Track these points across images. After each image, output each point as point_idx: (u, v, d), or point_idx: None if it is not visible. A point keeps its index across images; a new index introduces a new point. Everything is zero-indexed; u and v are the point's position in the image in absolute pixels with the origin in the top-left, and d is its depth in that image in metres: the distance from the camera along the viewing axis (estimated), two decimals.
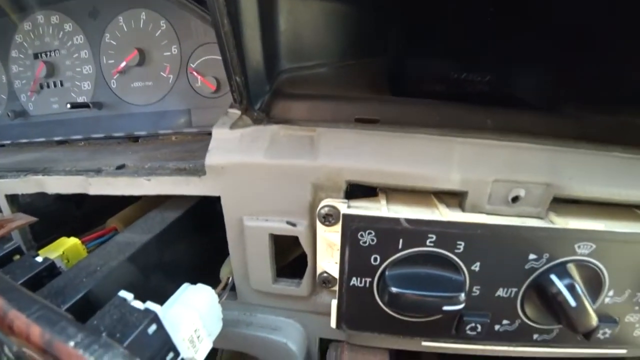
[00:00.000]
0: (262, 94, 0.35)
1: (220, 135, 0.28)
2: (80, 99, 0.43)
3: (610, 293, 0.27)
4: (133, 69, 0.43)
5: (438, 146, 0.25)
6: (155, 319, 0.21)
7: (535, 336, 0.28)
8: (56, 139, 0.46)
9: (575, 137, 0.36)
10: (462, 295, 0.24)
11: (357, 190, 0.28)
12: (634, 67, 0.35)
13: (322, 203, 0.26)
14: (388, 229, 0.24)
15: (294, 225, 0.27)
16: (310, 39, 0.37)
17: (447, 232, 0.24)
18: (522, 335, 0.28)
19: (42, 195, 0.34)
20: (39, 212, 0.33)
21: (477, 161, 0.25)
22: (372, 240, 0.24)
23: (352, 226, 0.24)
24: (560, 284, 0.24)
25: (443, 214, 0.24)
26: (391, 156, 0.25)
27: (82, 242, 0.31)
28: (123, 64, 0.42)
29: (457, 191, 0.25)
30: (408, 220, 0.24)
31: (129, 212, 0.37)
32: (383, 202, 0.26)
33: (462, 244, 0.24)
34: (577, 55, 0.38)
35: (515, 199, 0.25)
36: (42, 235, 0.35)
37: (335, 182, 0.26)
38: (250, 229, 0.28)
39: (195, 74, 0.43)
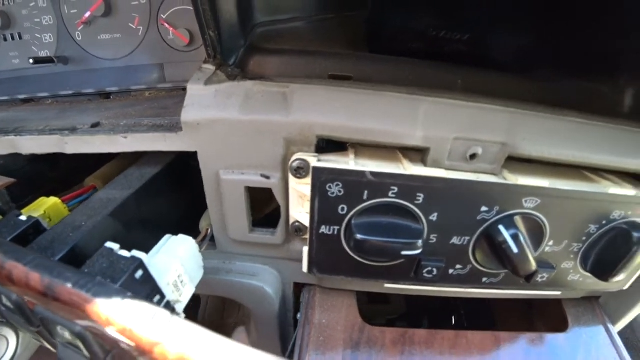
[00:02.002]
0: (236, 48, 0.36)
1: (195, 91, 0.30)
2: (43, 53, 0.43)
3: (550, 243, 0.32)
4: (99, 20, 0.42)
5: (405, 104, 0.28)
6: (141, 265, 0.24)
7: (484, 279, 0.34)
8: (21, 97, 0.45)
9: (540, 100, 0.40)
10: (420, 242, 0.28)
11: (328, 146, 0.31)
12: (600, 34, 0.37)
13: (294, 157, 0.29)
14: (354, 181, 0.28)
15: (267, 178, 0.30)
16: None
17: (408, 185, 0.28)
18: (472, 279, 0.33)
19: (15, 157, 0.35)
20: (14, 174, 0.34)
21: (440, 120, 0.28)
22: (340, 191, 0.28)
23: (321, 178, 0.28)
24: (506, 234, 0.29)
25: (406, 168, 0.28)
26: (360, 113, 0.28)
27: (63, 201, 0.34)
28: (87, 14, 0.41)
29: (421, 147, 0.28)
30: (373, 174, 0.27)
31: (107, 170, 0.40)
32: (351, 156, 0.29)
33: (422, 196, 0.28)
34: (550, 20, 0.40)
35: (473, 156, 0.29)
36: (20, 197, 0.37)
37: (307, 137, 0.28)
38: (226, 182, 0.31)
39: (166, 25, 0.43)
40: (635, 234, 0.31)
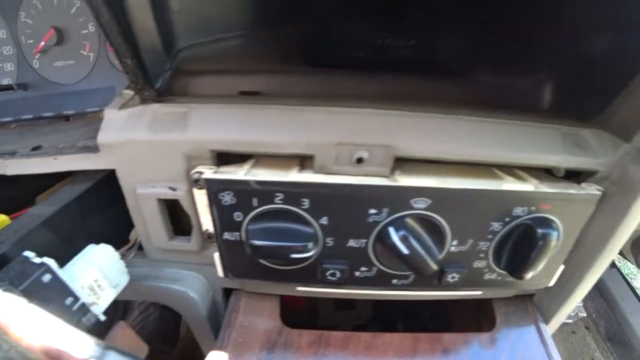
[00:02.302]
0: (162, 72, 0.39)
1: (110, 115, 0.33)
2: (5, 81, 0.48)
3: (454, 242, 0.32)
4: (53, 49, 0.47)
5: (288, 115, 0.30)
6: (48, 269, 0.27)
7: (394, 281, 0.34)
8: None
9: (469, 100, 0.40)
10: (310, 245, 0.30)
11: (239, 157, 0.33)
12: (522, 32, 0.37)
13: (193, 170, 0.31)
14: (243, 190, 0.30)
15: (174, 190, 0.33)
16: (209, 15, 0.40)
17: (291, 191, 0.29)
18: (381, 280, 0.34)
19: None
20: None
21: (322, 127, 0.29)
22: (232, 199, 0.30)
23: (213, 188, 0.30)
24: (394, 235, 0.30)
25: (290, 175, 0.29)
26: (246, 127, 0.30)
27: (11, 218, 0.38)
28: (42, 44, 0.46)
29: (306, 154, 0.30)
30: (257, 182, 0.29)
31: (55, 188, 0.44)
32: (247, 166, 0.31)
33: (307, 200, 0.30)
34: (481, 21, 0.40)
35: (360, 160, 0.30)
36: None
37: (202, 152, 0.31)
38: (141, 196, 0.34)
39: (113, 51, 0.47)
40: (539, 230, 0.31)
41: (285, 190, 0.29)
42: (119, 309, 0.71)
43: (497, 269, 0.34)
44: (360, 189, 0.29)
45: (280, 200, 0.30)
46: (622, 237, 0.33)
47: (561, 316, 0.39)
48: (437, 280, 0.34)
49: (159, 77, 0.39)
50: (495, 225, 0.31)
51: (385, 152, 0.29)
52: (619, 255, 1.16)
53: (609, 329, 0.86)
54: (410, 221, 0.30)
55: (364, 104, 0.31)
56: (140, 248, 0.38)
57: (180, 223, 0.37)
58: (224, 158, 0.33)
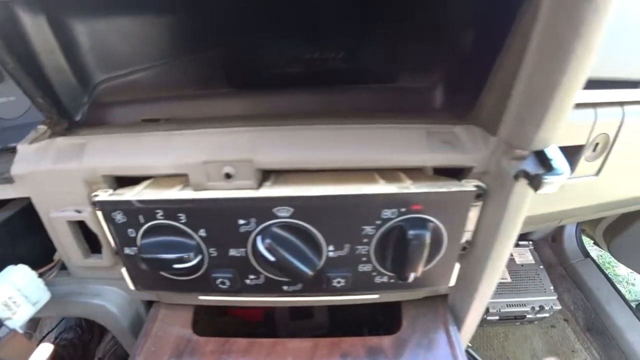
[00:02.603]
0: (80, 105, 0.44)
1: (22, 149, 0.38)
2: None
3: (331, 248, 0.33)
4: None
5: (165, 140, 0.33)
6: None
7: (284, 287, 0.36)
8: None
9: (368, 106, 0.41)
10: (190, 255, 0.32)
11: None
12: (417, 38, 0.39)
13: (92, 194, 0.35)
14: (128, 209, 0.33)
15: (80, 212, 0.36)
16: (122, 50, 0.44)
17: (168, 207, 0.32)
18: (272, 287, 0.36)
19: None
20: None
21: (190, 148, 0.32)
22: (123, 218, 0.33)
23: (106, 209, 0.33)
24: (260, 244, 0.31)
25: (167, 193, 0.32)
26: (128, 153, 0.33)
27: None
28: None
29: (180, 174, 0.32)
30: (139, 201, 0.32)
31: None
32: (139, 187, 0.34)
33: (183, 215, 0.32)
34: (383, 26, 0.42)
35: (228, 176, 0.32)
36: None
37: (97, 177, 0.34)
38: (54, 220, 0.38)
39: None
40: (410, 232, 0.31)
41: (163, 207, 0.32)
42: (95, 333, 0.75)
43: (386, 272, 0.35)
44: (225, 202, 0.31)
45: (161, 216, 0.32)
46: (509, 230, 0.33)
47: (474, 315, 0.39)
48: (325, 285, 0.35)
49: (77, 110, 0.43)
50: (368, 229, 0.32)
51: (249, 166, 0.32)
52: (595, 245, 1.11)
53: (587, 320, 0.84)
54: (277, 230, 0.32)
55: (237, 122, 0.33)
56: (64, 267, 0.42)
57: (99, 241, 0.41)
58: (131, 180, 0.36)
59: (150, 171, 0.33)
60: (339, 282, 0.34)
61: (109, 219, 0.34)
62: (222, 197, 0.31)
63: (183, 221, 0.32)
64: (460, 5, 0.34)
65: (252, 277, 0.35)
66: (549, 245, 1.21)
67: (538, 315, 0.94)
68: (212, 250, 0.34)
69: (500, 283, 0.98)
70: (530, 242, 1.10)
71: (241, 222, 0.32)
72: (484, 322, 0.96)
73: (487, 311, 0.93)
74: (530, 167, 0.29)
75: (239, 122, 0.34)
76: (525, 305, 0.94)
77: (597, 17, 0.22)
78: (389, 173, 0.34)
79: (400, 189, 0.31)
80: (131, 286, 0.38)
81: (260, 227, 0.32)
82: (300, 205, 0.31)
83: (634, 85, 0.46)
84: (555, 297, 0.93)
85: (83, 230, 0.38)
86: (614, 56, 0.43)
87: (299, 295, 0.36)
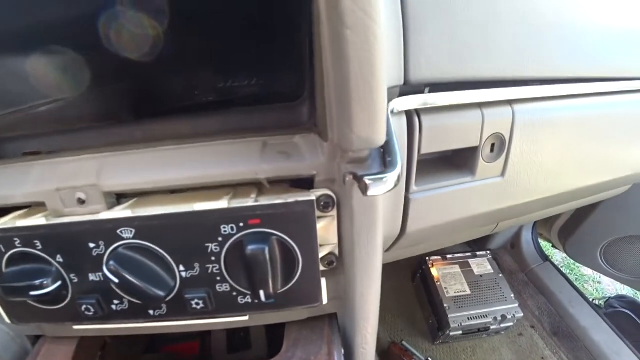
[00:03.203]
0: None
1: None
2: None
3: (182, 268, 0.32)
4: None
5: (23, 170, 0.34)
6: None
7: (150, 312, 0.35)
8: None
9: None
10: (47, 282, 0.33)
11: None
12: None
13: None
14: None
15: None
16: (10, 88, 0.47)
17: (23, 235, 0.33)
18: (138, 312, 0.35)
19: None
20: None
21: (44, 177, 0.33)
22: None
23: None
24: (104, 266, 0.31)
25: (23, 221, 0.33)
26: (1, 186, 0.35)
27: None
28: None
29: (37, 202, 0.34)
30: None
31: None
32: (8, 217, 0.36)
33: (38, 242, 0.33)
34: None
35: (81, 201, 0.33)
36: None
37: None
38: None
39: None
40: (248, 247, 0.30)
41: (19, 235, 0.33)
42: None
43: (246, 291, 0.33)
44: (72, 226, 0.32)
45: (19, 244, 0.34)
46: (367, 240, 0.31)
47: (363, 334, 0.36)
48: (187, 307, 0.34)
49: None
50: (212, 247, 0.31)
51: (97, 191, 0.32)
52: (554, 248, 1.03)
53: (553, 324, 0.80)
54: (125, 251, 0.32)
55: (114, 148, 0.34)
56: None
57: None
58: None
59: (7, 201, 0.34)
60: (197, 304, 0.33)
61: None
62: (69, 222, 0.32)
63: (39, 248, 0.33)
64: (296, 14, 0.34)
65: (116, 302, 0.35)
66: (509, 252, 1.17)
67: (502, 325, 0.89)
68: (72, 276, 0.34)
69: (459, 296, 0.93)
70: (489, 252, 1.04)
71: (92, 245, 0.32)
72: (447, 338, 0.90)
73: (448, 326, 0.86)
74: (363, 168, 0.28)
75: (118, 147, 0.35)
76: (487, 317, 0.88)
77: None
78: (244, 189, 0.34)
79: (232, 204, 0.30)
80: (7, 319, 0.39)
81: (110, 249, 0.32)
82: (140, 225, 0.31)
83: (525, 83, 0.43)
84: (516, 305, 0.89)
85: None
86: (501, 55, 0.41)
87: (166, 319, 0.35)
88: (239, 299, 0.34)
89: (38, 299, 0.34)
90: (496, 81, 0.41)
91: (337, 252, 0.34)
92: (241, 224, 0.31)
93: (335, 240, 0.33)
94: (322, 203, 0.31)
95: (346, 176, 0.27)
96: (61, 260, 0.34)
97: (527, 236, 1.10)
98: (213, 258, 0.32)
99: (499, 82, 0.41)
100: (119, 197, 0.35)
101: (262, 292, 0.31)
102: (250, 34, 0.50)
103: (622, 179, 0.67)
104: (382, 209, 0.31)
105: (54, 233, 0.33)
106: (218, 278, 0.33)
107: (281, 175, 0.31)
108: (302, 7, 0.31)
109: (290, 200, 0.30)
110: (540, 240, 1.13)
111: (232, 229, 0.31)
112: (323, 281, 0.34)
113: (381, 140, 0.27)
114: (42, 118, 0.46)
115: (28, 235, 0.33)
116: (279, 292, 0.33)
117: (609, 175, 0.64)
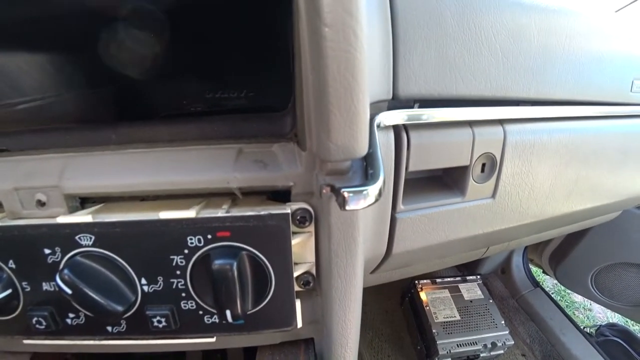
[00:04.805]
0: None
1: None
2: None
3: (144, 281, 0.30)
4: None
5: None
6: None
7: (108, 328, 0.32)
8: None
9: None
10: None
11: None
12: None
13: None
14: None
15: None
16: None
17: None
18: (95, 328, 0.32)
19: None
20: None
21: (1, 175, 0.31)
22: None
23: None
24: (57, 276, 0.28)
25: None
26: None
27: None
28: None
29: None
30: None
31: None
32: None
33: None
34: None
35: (41, 203, 0.31)
36: None
37: None
38: None
39: None
40: (215, 261, 0.28)
41: None
42: None
43: (214, 310, 0.31)
44: (27, 229, 0.29)
45: None
46: (345, 259, 0.29)
47: (339, 357, 0.33)
48: (148, 325, 0.31)
49: None
50: (178, 259, 0.29)
51: (59, 193, 0.30)
52: (544, 274, 1.01)
53: (544, 353, 0.77)
54: (81, 259, 0.29)
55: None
56: None
57: None
58: None
59: None
60: (160, 322, 0.30)
61: None
62: (24, 224, 0.29)
63: None
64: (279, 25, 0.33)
65: (72, 315, 0.32)
66: (499, 277, 1.14)
67: (492, 353, 0.85)
68: (24, 284, 0.31)
69: (449, 322, 0.90)
70: (479, 277, 1.01)
71: (47, 251, 0.30)
72: None
73: (437, 353, 0.82)
74: (343, 181, 0.26)
75: (85, 148, 0.33)
76: (477, 344, 0.84)
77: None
78: (217, 199, 0.32)
79: (200, 214, 0.28)
80: None
81: (66, 257, 0.29)
82: (100, 232, 0.29)
83: (516, 103, 0.42)
84: (507, 332, 0.85)
85: None
86: (489, 75, 0.41)
87: (125, 338, 0.32)
88: (206, 318, 0.31)
89: None
90: (486, 100, 0.40)
91: (314, 271, 0.32)
92: (209, 236, 0.28)
93: (312, 258, 0.31)
94: (298, 217, 0.29)
95: (323, 188, 0.25)
96: (13, 266, 0.31)
97: (517, 261, 1.08)
98: (178, 272, 0.29)
99: (489, 101, 0.41)
100: (84, 202, 0.33)
101: (228, 312, 0.28)
102: (241, 46, 0.49)
103: (613, 204, 0.66)
104: (362, 226, 0.29)
105: (7, 236, 0.30)
106: (183, 294, 0.30)
107: (254, 185, 0.29)
108: (287, 15, 0.30)
109: (263, 212, 0.28)
110: (530, 266, 1.11)
111: (199, 241, 0.28)
112: (298, 303, 0.31)
113: (362, 150, 0.25)
114: (20, 116, 0.44)
115: None
116: (248, 312, 0.30)
117: (600, 200, 0.63)
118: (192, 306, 0.31)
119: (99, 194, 0.30)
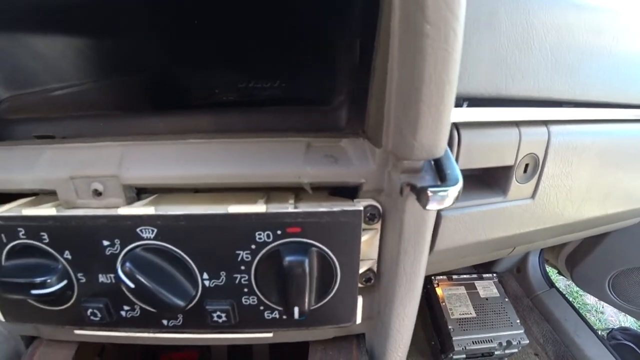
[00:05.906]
0: None
1: None
2: None
3: (205, 276, 0.29)
4: None
5: (34, 154, 0.31)
6: None
7: (164, 322, 0.31)
8: None
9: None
10: (51, 280, 0.29)
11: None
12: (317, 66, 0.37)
13: None
14: None
15: None
16: (31, 69, 0.43)
17: (30, 225, 0.29)
18: (150, 321, 0.31)
19: None
20: None
21: (58, 163, 0.30)
22: None
23: None
24: (119, 269, 0.28)
25: (30, 210, 0.30)
26: (9, 169, 0.31)
27: None
28: None
29: (47, 190, 0.30)
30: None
31: None
32: (10, 205, 0.32)
33: (46, 234, 0.29)
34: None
35: (98, 193, 0.29)
36: None
37: None
38: None
39: None
40: (287, 258, 0.27)
41: (24, 225, 0.29)
42: None
43: (276, 307, 0.30)
44: (87, 219, 0.28)
45: (23, 235, 0.30)
46: (413, 257, 0.28)
47: (393, 355, 0.32)
48: (207, 319, 0.30)
49: None
50: (244, 255, 0.28)
51: (117, 182, 0.29)
52: (560, 275, 1.02)
53: (558, 353, 0.78)
54: (142, 253, 0.28)
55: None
56: None
57: None
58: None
59: (14, 186, 0.31)
60: (219, 317, 0.30)
61: None
62: (83, 215, 0.28)
63: (46, 241, 0.30)
64: (340, 17, 0.32)
65: (127, 308, 0.31)
66: (514, 276, 1.14)
67: (507, 352, 0.85)
68: (80, 275, 0.30)
69: (464, 318, 0.90)
70: (495, 275, 1.01)
71: (105, 243, 0.29)
72: None
73: (452, 349, 0.83)
74: (418, 179, 0.25)
75: (138, 138, 0.32)
76: (492, 341, 0.85)
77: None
78: (279, 194, 0.31)
79: (270, 209, 0.27)
80: (1, 317, 0.34)
81: (126, 249, 0.29)
82: (163, 225, 0.28)
83: (559, 104, 0.42)
84: (522, 331, 0.86)
85: None
86: (537, 75, 0.40)
87: (181, 331, 0.32)
88: (266, 314, 0.30)
89: (39, 298, 0.30)
90: (531, 100, 0.40)
91: (375, 268, 0.31)
92: (279, 232, 0.27)
93: (375, 255, 0.30)
94: (368, 214, 0.28)
95: (403, 187, 0.25)
96: (69, 257, 0.30)
97: (533, 261, 1.07)
98: (243, 267, 0.29)
99: (533, 101, 0.40)
100: (139, 192, 0.32)
101: (296, 309, 0.28)
102: (278, 36, 0.48)
103: None
104: (432, 225, 0.28)
105: (64, 226, 0.29)
106: (245, 290, 0.30)
107: (326, 180, 0.28)
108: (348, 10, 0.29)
109: (336, 209, 0.27)
110: (546, 266, 1.12)
111: (267, 236, 0.28)
112: (359, 299, 0.31)
113: (442, 150, 0.25)
114: (58, 102, 0.43)
115: (35, 226, 0.29)
116: (311, 308, 0.30)
117: (633, 204, 0.63)
118: (253, 302, 0.30)
119: (159, 185, 0.29)
